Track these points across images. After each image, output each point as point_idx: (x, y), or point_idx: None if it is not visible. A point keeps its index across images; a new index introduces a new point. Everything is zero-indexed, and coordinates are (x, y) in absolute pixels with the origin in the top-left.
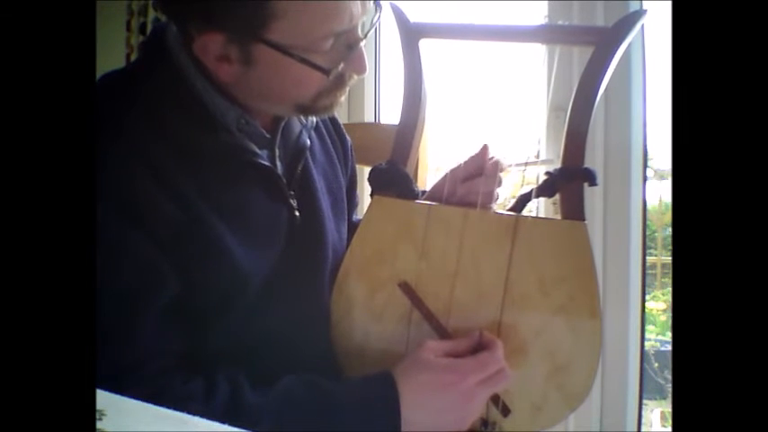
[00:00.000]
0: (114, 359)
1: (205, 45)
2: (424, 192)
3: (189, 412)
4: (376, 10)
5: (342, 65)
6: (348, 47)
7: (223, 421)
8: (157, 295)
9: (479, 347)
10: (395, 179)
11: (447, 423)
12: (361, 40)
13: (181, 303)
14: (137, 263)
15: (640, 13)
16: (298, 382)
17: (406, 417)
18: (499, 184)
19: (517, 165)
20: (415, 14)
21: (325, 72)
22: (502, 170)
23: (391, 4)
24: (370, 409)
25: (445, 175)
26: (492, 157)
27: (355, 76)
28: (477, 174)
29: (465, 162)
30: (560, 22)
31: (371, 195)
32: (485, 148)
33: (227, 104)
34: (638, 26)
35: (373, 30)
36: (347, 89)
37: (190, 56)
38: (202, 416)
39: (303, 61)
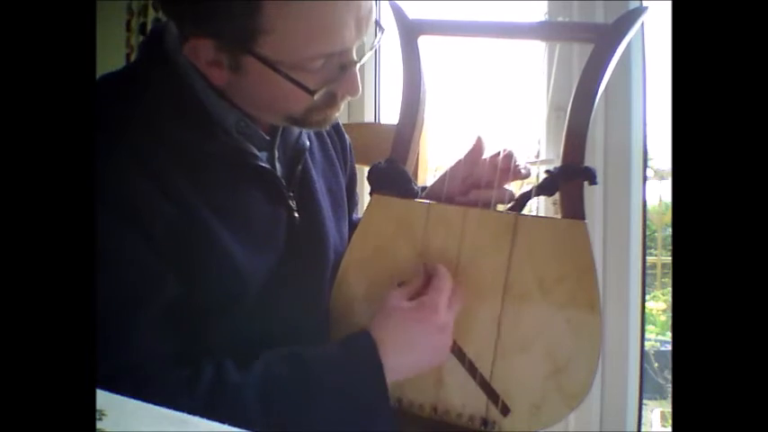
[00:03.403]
0: (111, 360)
1: (196, 48)
2: (424, 188)
3: (175, 399)
4: (376, 33)
5: (333, 84)
6: (341, 68)
7: (209, 403)
8: (155, 298)
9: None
10: (394, 178)
11: (427, 359)
12: (356, 62)
13: (180, 305)
14: (134, 265)
15: (641, 10)
16: (277, 356)
17: (388, 365)
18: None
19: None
20: (414, 11)
21: (310, 92)
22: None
23: (390, 2)
24: (352, 369)
25: (445, 173)
26: (514, 163)
27: (348, 97)
28: (477, 171)
29: (464, 159)
30: (560, 19)
31: (371, 194)
32: (479, 141)
33: (226, 107)
34: (638, 23)
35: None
36: (340, 107)
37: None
38: (189, 401)
39: (288, 78)
